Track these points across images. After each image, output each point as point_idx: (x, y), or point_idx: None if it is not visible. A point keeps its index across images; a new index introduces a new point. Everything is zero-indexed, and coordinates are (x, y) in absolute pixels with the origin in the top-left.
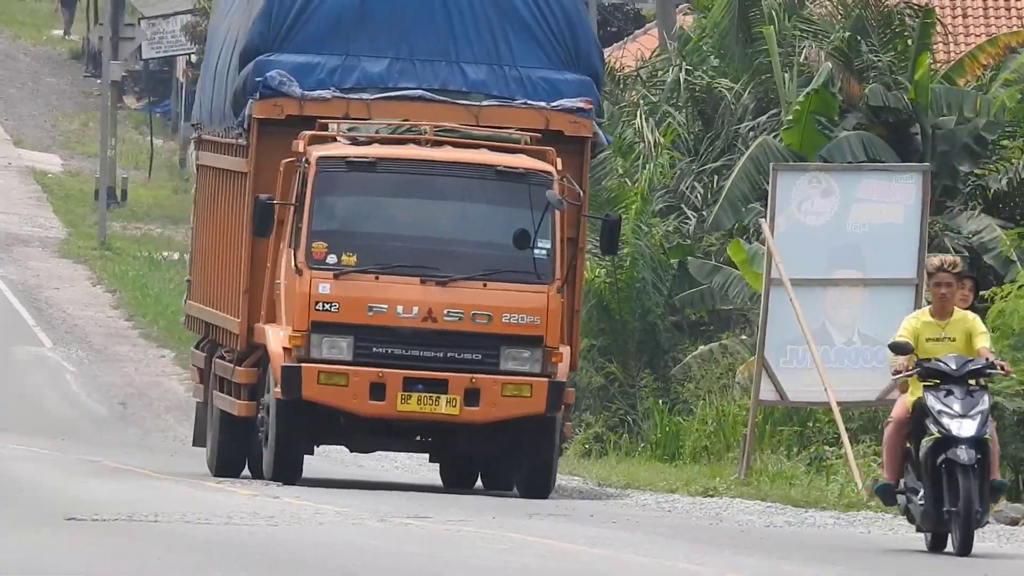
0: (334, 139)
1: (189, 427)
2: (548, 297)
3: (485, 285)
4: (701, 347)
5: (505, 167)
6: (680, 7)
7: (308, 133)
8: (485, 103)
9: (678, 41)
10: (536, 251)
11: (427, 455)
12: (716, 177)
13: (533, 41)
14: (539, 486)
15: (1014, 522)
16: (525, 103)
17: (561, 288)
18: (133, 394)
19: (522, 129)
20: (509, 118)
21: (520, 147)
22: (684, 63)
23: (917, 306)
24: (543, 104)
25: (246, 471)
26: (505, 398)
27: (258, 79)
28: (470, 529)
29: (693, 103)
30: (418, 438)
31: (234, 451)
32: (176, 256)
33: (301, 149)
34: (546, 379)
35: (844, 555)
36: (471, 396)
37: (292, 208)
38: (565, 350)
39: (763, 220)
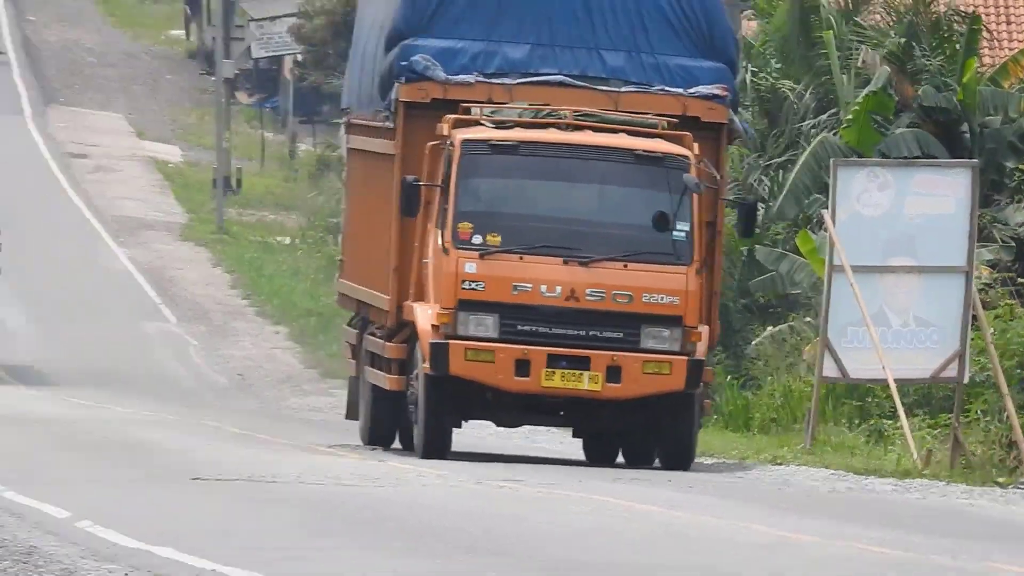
0: (478, 122)
1: (301, 396)
2: (687, 278)
3: (626, 266)
4: (770, 328)
5: (644, 151)
6: (745, 13)
7: (452, 117)
8: (624, 89)
9: (743, 45)
10: (675, 233)
11: (570, 431)
12: (781, 171)
13: (670, 29)
14: (680, 459)
15: None
16: (662, 89)
17: (700, 269)
18: (250, 366)
19: (659, 115)
20: (647, 104)
21: (658, 132)
22: (749, 65)
23: (967, 292)
24: (680, 91)
25: (397, 443)
26: (646, 375)
27: (404, 63)
28: (560, 492)
29: (759, 102)
30: (561, 413)
31: (386, 424)
32: (288, 240)
33: (446, 132)
34: (685, 357)
35: (901, 519)
36: (613, 373)
37: (438, 189)
38: (704, 330)
39: (825, 211)
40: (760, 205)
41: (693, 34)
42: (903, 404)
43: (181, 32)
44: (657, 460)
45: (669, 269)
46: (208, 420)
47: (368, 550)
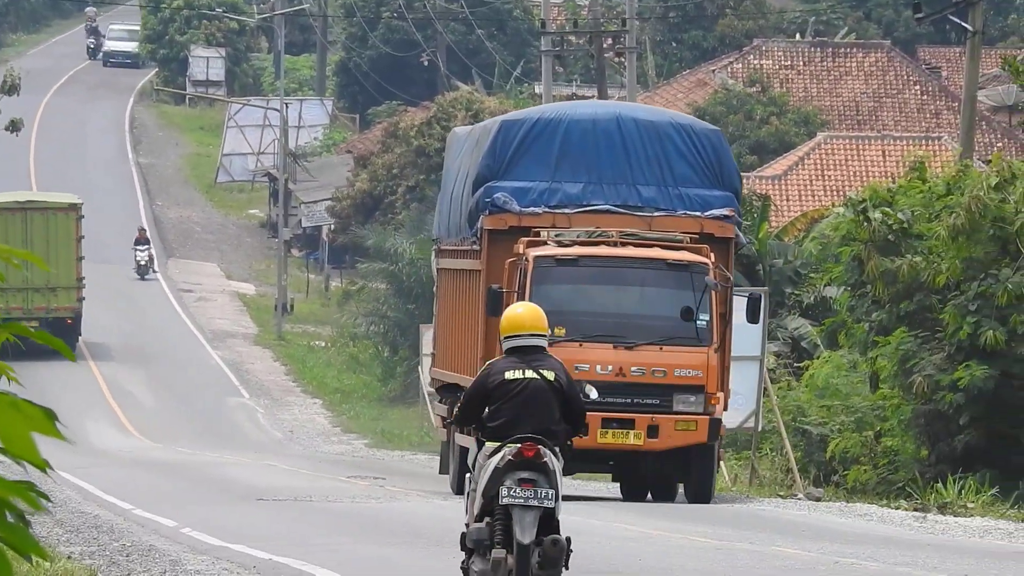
0: (545, 243)
1: (330, 445)
2: (708, 356)
3: (661, 348)
4: None
5: (673, 260)
6: None
7: (525, 239)
8: (655, 214)
9: None
10: (698, 322)
11: (610, 477)
12: None
13: (689, 167)
14: (703, 496)
15: (817, 499)
16: (685, 213)
17: (717, 349)
18: (297, 425)
19: (683, 232)
20: (673, 225)
21: (682, 245)
22: None
23: (761, 372)
24: (698, 214)
25: None
26: (677, 431)
27: (487, 200)
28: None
29: None
30: (611, 463)
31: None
32: (323, 344)
33: (521, 251)
34: (707, 416)
35: (719, 519)
36: (652, 431)
37: (515, 294)
38: (721, 395)
39: None
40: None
41: (707, 170)
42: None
43: (256, 210)
44: (684, 496)
45: (694, 350)
46: (269, 461)
47: (367, 544)
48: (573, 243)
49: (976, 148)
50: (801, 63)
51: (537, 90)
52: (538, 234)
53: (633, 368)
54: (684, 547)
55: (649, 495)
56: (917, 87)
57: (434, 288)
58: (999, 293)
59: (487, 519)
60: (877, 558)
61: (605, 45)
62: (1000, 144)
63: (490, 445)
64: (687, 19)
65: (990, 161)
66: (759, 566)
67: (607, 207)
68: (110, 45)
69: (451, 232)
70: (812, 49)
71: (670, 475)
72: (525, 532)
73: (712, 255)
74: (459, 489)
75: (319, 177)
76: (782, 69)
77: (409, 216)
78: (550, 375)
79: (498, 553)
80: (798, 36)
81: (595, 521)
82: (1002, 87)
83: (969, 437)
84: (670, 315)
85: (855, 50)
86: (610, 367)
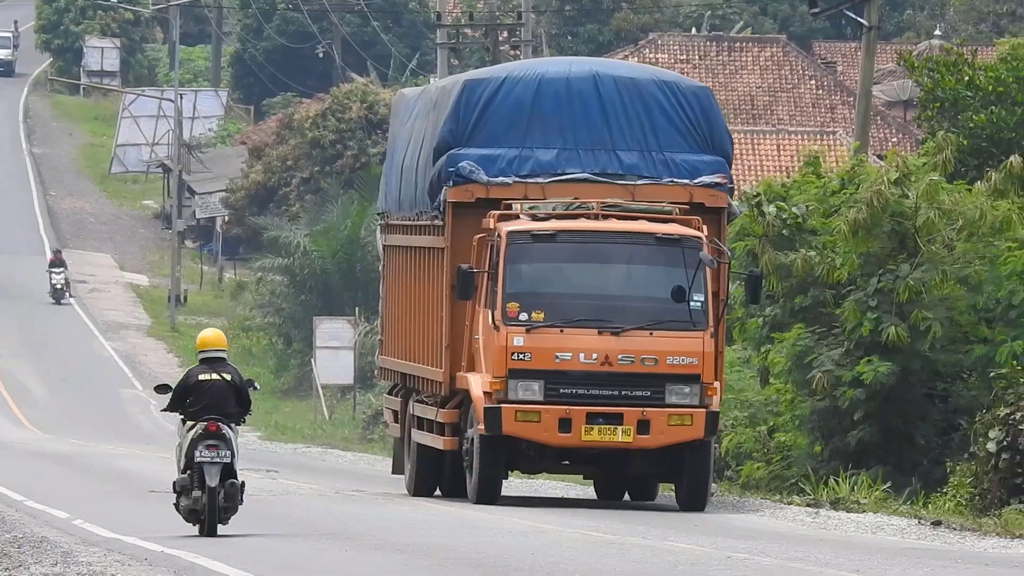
0: (518, 216)
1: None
2: (703, 341)
3: (651, 333)
4: None
5: (663, 234)
6: None
7: (496, 213)
8: (639, 182)
9: None
10: (692, 303)
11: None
12: None
13: (674, 130)
14: (697, 500)
15: (710, 494)
16: (672, 181)
17: (713, 334)
18: None
19: (671, 202)
20: (659, 194)
21: (672, 217)
22: None
23: None
24: (686, 181)
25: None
26: (671, 427)
27: (451, 169)
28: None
29: None
30: (595, 463)
31: (429, 476)
32: None
33: (491, 226)
34: (704, 410)
35: (626, 519)
36: (642, 426)
37: (486, 275)
38: (717, 385)
39: None
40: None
41: (695, 133)
42: None
43: (150, 201)
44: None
45: (688, 335)
46: (163, 454)
47: (260, 536)
48: (549, 216)
49: (871, 143)
50: (697, 57)
51: (432, 82)
52: (509, 207)
53: (620, 356)
54: (576, 541)
55: (627, 495)
56: (812, 82)
57: (380, 268)
58: (900, 289)
59: (189, 471)
60: (769, 553)
61: (501, 38)
62: (895, 139)
63: (190, 423)
64: (583, 13)
65: (884, 156)
66: (651, 560)
67: (585, 175)
68: None
69: (403, 205)
70: (708, 43)
71: (660, 475)
72: (212, 479)
73: (704, 228)
74: (417, 489)
75: (213, 168)
76: (677, 63)
77: (304, 208)
78: (228, 377)
79: (196, 493)
80: (694, 30)
81: (485, 515)
82: (897, 82)
83: (863, 433)
84: (660, 296)
85: (750, 44)
86: (595, 355)
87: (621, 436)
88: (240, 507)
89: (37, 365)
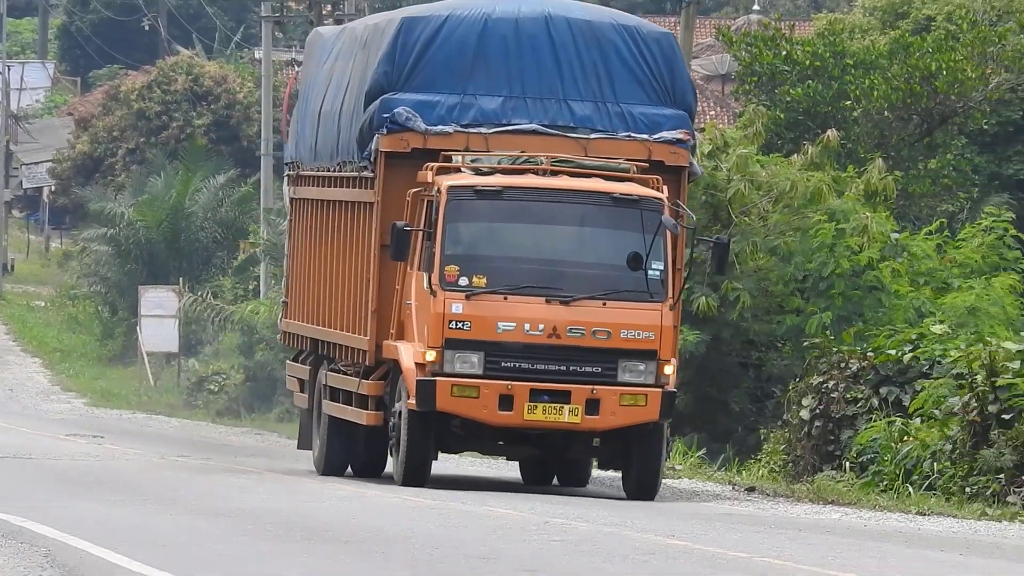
0: (459, 170)
1: (50, 404)
2: (662, 314)
3: (604, 304)
4: None
5: (621, 194)
6: None
7: (435, 164)
8: (592, 136)
9: None
10: (650, 272)
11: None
12: None
13: (633, 80)
14: (647, 489)
15: None
16: (629, 136)
17: (673, 306)
18: (17, 384)
19: (628, 159)
20: (614, 150)
21: (629, 176)
22: None
23: None
24: (645, 136)
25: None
26: (623, 407)
27: (385, 115)
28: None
29: None
30: (535, 445)
31: (341, 454)
32: (42, 304)
33: (429, 179)
34: (659, 389)
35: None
36: (592, 406)
37: (423, 234)
38: (675, 362)
39: None
40: None
41: (655, 83)
42: None
43: None
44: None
45: (645, 306)
46: None
47: (87, 501)
48: (493, 171)
49: None
50: None
51: (257, 55)
52: (449, 159)
53: (570, 328)
54: (397, 506)
55: (556, 479)
56: None
57: (286, 222)
58: (710, 260)
59: None
60: (587, 519)
61: (324, 12)
62: (713, 113)
63: None
64: None
65: (703, 130)
66: (471, 526)
67: (533, 127)
68: None
69: (319, 155)
70: None
71: (606, 461)
72: None
73: (665, 188)
74: (327, 468)
75: (40, 139)
76: None
77: (129, 179)
78: None
79: None
80: None
81: (311, 483)
82: (716, 56)
83: (678, 401)
84: (615, 263)
85: None
86: (541, 326)
87: (568, 416)
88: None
89: None
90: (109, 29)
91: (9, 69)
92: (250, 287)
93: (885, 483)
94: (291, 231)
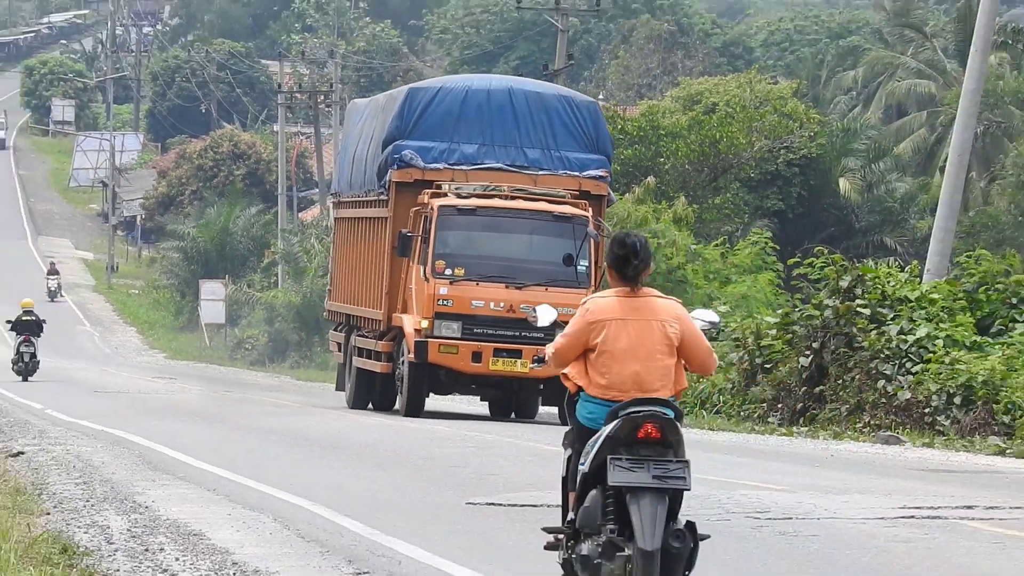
0: (446, 194)
1: (141, 357)
2: (587, 296)
3: (547, 289)
4: None
5: (558, 213)
6: None
7: (429, 191)
8: (540, 173)
9: None
10: (579, 267)
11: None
12: None
13: (569, 134)
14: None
15: None
16: (566, 173)
17: (595, 291)
18: (118, 345)
19: (564, 189)
20: (555, 183)
21: (564, 201)
22: None
23: None
24: (577, 174)
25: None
26: None
27: (396, 156)
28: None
29: None
30: (496, 388)
31: (364, 394)
32: (136, 292)
33: (426, 200)
34: None
35: None
36: (537, 360)
37: (420, 239)
38: None
39: None
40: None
41: (584, 137)
42: None
43: (94, 205)
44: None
45: (574, 291)
46: (103, 367)
47: (166, 420)
48: (471, 195)
49: None
50: None
51: (275, 128)
52: (440, 187)
53: (522, 305)
54: (389, 426)
55: (512, 414)
56: None
57: (331, 237)
58: None
59: None
60: (496, 433)
61: (320, 100)
62: None
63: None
64: (373, 84)
65: None
66: (420, 438)
67: (499, 166)
68: None
69: (353, 186)
70: None
71: (546, 398)
72: None
73: (589, 209)
74: (354, 403)
75: (134, 184)
76: None
77: (192, 210)
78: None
79: None
80: None
81: (322, 412)
82: None
83: None
84: (554, 260)
85: None
86: (502, 303)
87: (519, 367)
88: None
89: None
90: (179, 112)
91: (114, 138)
92: (271, 280)
93: (688, 410)
94: (334, 240)
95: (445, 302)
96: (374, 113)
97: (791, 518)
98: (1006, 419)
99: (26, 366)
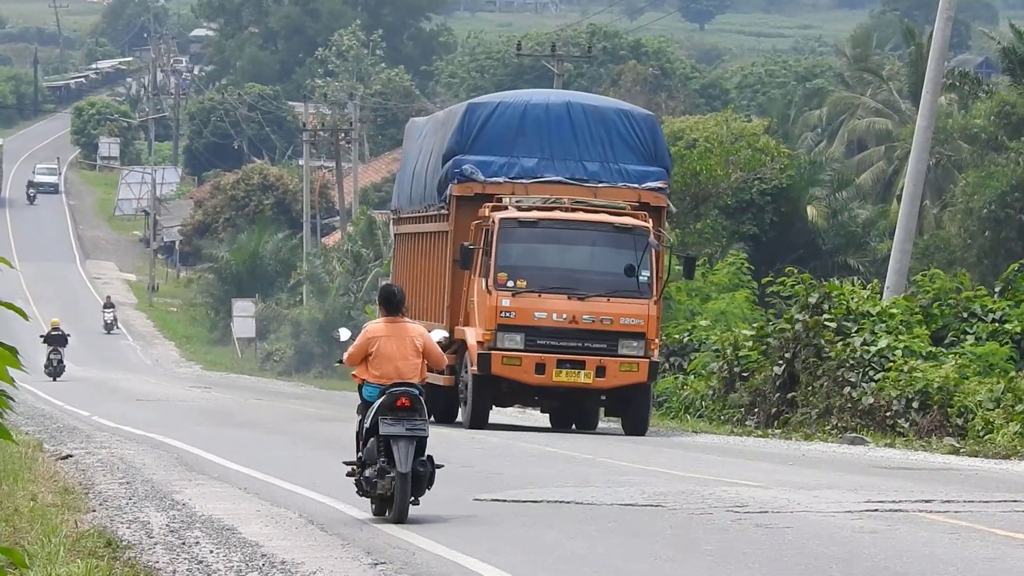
0: (507, 207)
1: (179, 368)
2: (648, 307)
3: (608, 299)
4: None
5: (619, 224)
6: None
7: (490, 204)
8: (599, 185)
9: None
10: (640, 278)
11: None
12: None
13: (627, 146)
14: (640, 428)
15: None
16: (625, 185)
17: (657, 301)
18: (159, 357)
19: (624, 201)
20: (615, 195)
21: (625, 212)
22: None
23: None
24: (636, 186)
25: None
26: (622, 372)
27: (456, 171)
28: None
29: None
30: (559, 399)
31: (426, 406)
32: (175, 309)
33: (487, 214)
34: (647, 360)
35: None
36: (600, 371)
37: (481, 251)
38: (658, 341)
39: None
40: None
41: (642, 149)
42: None
43: (138, 232)
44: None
45: (636, 301)
46: (144, 377)
47: (206, 426)
48: (532, 208)
49: None
50: None
51: (300, 163)
52: (500, 200)
53: (584, 316)
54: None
55: (573, 425)
56: None
57: (390, 253)
58: (683, 269)
59: None
60: (535, 442)
61: (340, 137)
62: None
63: None
64: (388, 123)
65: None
66: (484, 451)
67: (559, 179)
68: (37, 178)
69: (413, 202)
70: None
71: (610, 410)
72: None
73: (649, 220)
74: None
75: (173, 213)
76: None
77: (226, 236)
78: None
79: None
80: None
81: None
82: None
83: None
84: (616, 271)
85: None
86: (564, 315)
87: (583, 378)
88: None
89: (74, 327)
90: (214, 148)
91: (155, 171)
92: (297, 299)
93: (673, 414)
94: (394, 255)
95: (508, 314)
96: (434, 129)
97: (767, 511)
98: (959, 421)
99: (55, 369)
